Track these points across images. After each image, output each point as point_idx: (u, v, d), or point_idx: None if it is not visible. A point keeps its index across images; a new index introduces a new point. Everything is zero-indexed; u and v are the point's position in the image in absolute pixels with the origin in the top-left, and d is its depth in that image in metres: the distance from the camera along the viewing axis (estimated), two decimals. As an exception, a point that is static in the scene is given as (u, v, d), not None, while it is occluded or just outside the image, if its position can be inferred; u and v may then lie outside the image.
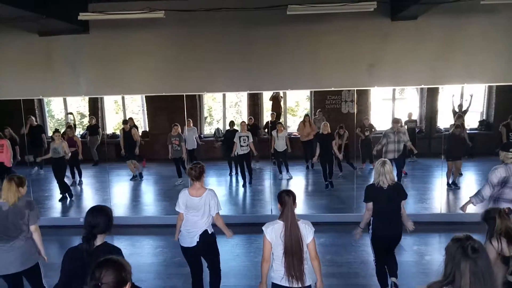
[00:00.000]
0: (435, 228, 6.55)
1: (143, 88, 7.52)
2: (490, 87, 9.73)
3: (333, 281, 4.77)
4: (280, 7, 6.10)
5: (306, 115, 10.18)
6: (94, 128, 10.34)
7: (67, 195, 8.32)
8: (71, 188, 8.53)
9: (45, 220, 6.95)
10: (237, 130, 9.15)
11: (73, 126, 9.65)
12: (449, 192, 8.12)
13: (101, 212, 2.85)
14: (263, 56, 6.97)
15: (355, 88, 7.92)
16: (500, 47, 6.73)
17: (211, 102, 12.53)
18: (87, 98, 10.52)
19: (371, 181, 4.43)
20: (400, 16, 6.61)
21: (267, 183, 9.37)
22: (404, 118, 9.55)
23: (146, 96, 10.74)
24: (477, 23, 6.74)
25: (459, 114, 8.90)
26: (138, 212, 7.98)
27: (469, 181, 9.20)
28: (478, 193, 4.63)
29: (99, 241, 2.79)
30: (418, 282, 4.88)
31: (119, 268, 2.01)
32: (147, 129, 11.38)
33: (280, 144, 9.07)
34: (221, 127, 11.22)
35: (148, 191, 9.68)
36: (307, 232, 3.15)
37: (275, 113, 10.68)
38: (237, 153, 8.89)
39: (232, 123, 9.57)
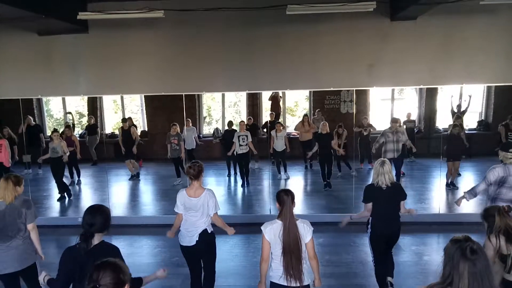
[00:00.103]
0: (434, 228, 6.56)
1: (142, 88, 7.52)
2: (489, 87, 9.75)
3: (332, 281, 4.77)
4: (279, 7, 6.10)
5: (305, 115, 10.19)
6: (93, 128, 10.33)
7: (66, 195, 8.31)
8: (69, 188, 8.53)
9: (43, 219, 6.96)
10: (235, 130, 9.15)
11: (71, 125, 9.65)
12: (447, 193, 8.13)
13: (99, 211, 2.87)
14: (263, 56, 6.97)
15: (354, 88, 7.92)
16: (499, 47, 6.74)
17: (210, 101, 12.53)
18: (86, 97, 10.52)
19: (370, 181, 4.44)
20: (399, 16, 6.61)
21: (266, 183, 9.37)
22: (403, 118, 9.57)
23: (145, 96, 10.75)
24: (476, 24, 6.75)
25: (458, 115, 8.91)
26: (137, 212, 7.97)
27: (468, 181, 9.21)
28: (472, 189, 4.69)
29: (96, 240, 2.80)
30: (416, 282, 4.89)
31: (117, 270, 2.02)
32: (146, 129, 11.38)
33: (279, 144, 9.07)
34: (220, 127, 11.23)
35: (147, 191, 9.67)
36: (306, 232, 3.15)
37: (274, 113, 10.68)
38: (236, 152, 8.89)
39: (230, 123, 9.56)
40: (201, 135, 11.11)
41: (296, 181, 9.82)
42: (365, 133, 9.40)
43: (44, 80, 7.21)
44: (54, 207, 8.13)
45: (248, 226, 6.58)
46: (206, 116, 12.17)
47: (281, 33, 6.89)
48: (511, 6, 6.43)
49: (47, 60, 7.18)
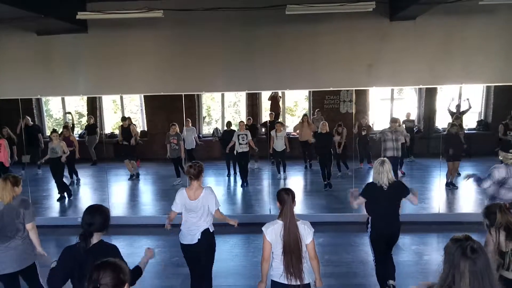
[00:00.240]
0: (434, 228, 6.56)
1: (142, 88, 7.51)
2: (488, 87, 9.75)
3: (332, 280, 4.76)
4: (279, 7, 6.10)
5: (305, 115, 10.19)
6: (92, 128, 10.32)
7: (66, 195, 8.30)
8: (70, 188, 8.53)
9: (43, 220, 6.96)
10: (234, 130, 9.15)
11: (69, 126, 9.64)
12: (447, 192, 8.14)
13: (98, 211, 2.89)
14: (262, 56, 6.97)
15: (354, 88, 7.93)
16: (498, 47, 6.75)
17: (210, 101, 12.52)
18: (85, 97, 10.51)
19: (370, 180, 4.44)
20: (399, 16, 6.62)
21: (266, 183, 9.37)
22: (402, 118, 9.57)
23: (144, 96, 10.73)
24: (475, 24, 6.75)
25: (457, 115, 8.93)
26: (136, 212, 7.96)
27: (468, 181, 9.21)
28: (480, 179, 4.72)
29: (95, 239, 2.81)
30: (417, 282, 4.87)
31: (116, 269, 2.02)
32: (146, 129, 11.37)
33: (279, 144, 9.06)
34: (219, 127, 11.23)
35: (146, 191, 9.66)
36: (306, 233, 3.15)
37: (273, 113, 10.68)
38: (237, 151, 8.89)
39: (229, 124, 9.56)
40: (200, 135, 11.11)
41: (296, 181, 9.82)
42: (363, 133, 9.40)
43: (44, 80, 7.21)
44: (54, 207, 8.12)
45: (248, 226, 6.56)
46: (205, 116, 12.17)
47: (281, 33, 6.89)
48: (510, 6, 6.43)
49: (47, 60, 7.17)
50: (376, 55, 6.87)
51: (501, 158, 4.58)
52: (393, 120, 8.18)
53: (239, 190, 8.98)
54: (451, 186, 8.20)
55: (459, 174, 8.61)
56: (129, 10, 6.07)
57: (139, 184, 9.77)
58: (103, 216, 2.88)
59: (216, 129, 11.24)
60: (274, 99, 10.97)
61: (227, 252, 5.73)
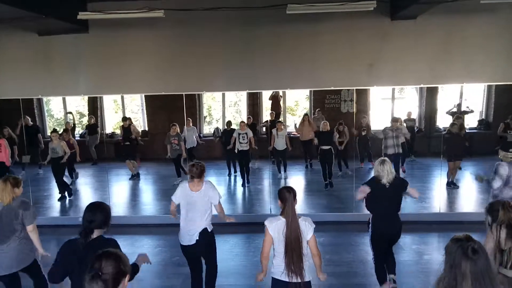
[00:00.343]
0: (434, 227, 6.56)
1: (143, 88, 7.51)
2: (489, 87, 9.75)
3: (332, 280, 4.76)
4: (279, 6, 6.10)
5: (306, 114, 10.19)
6: (93, 128, 10.34)
7: (66, 194, 8.31)
8: (71, 188, 8.55)
9: (44, 219, 6.97)
10: (234, 129, 9.16)
11: (70, 126, 9.67)
12: (448, 192, 8.13)
13: (99, 208, 2.92)
14: (263, 56, 6.97)
15: (355, 88, 7.92)
16: (499, 46, 6.74)
17: (211, 101, 12.53)
18: (86, 97, 10.51)
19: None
20: (399, 15, 6.61)
21: (266, 182, 9.37)
22: (403, 118, 9.56)
23: (145, 96, 10.75)
24: (476, 23, 6.74)
25: (458, 115, 8.94)
26: (137, 211, 7.97)
27: (468, 180, 9.20)
28: (491, 180, 4.68)
29: (95, 235, 2.83)
30: (417, 281, 4.89)
31: (118, 259, 2.03)
32: (147, 129, 11.38)
33: (280, 143, 9.07)
34: (220, 127, 11.23)
35: (147, 191, 9.67)
36: (307, 229, 3.17)
37: (274, 112, 10.68)
38: (237, 149, 8.90)
39: (229, 123, 9.56)
40: (201, 135, 11.11)
41: (296, 181, 9.82)
42: (363, 133, 9.40)
43: (44, 80, 7.22)
44: (54, 207, 8.14)
45: (248, 225, 6.58)
46: (206, 116, 12.17)
47: (281, 33, 6.88)
48: (511, 5, 6.42)
49: (47, 60, 7.18)
50: (377, 54, 6.86)
51: (501, 157, 4.60)
52: (394, 120, 8.20)
53: (240, 190, 8.98)
54: (452, 186, 8.19)
55: (460, 168, 8.59)
56: (129, 10, 6.08)
57: (140, 183, 9.78)
58: (104, 213, 2.90)
59: (217, 128, 11.24)
60: (275, 99, 10.97)
61: (228, 252, 5.73)
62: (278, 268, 3.19)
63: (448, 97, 10.20)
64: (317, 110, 10.63)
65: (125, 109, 11.27)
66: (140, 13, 6.02)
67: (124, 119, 9.62)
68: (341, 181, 8.89)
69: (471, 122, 10.01)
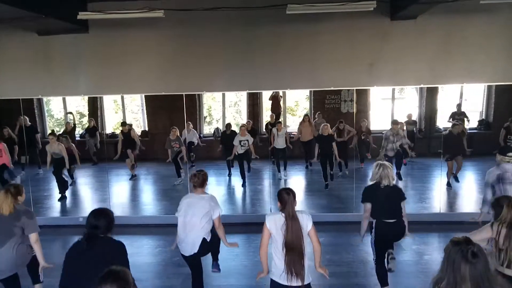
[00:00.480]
0: (434, 227, 6.56)
1: (143, 88, 7.51)
2: (489, 87, 9.73)
3: (332, 280, 4.75)
4: (279, 6, 6.10)
5: (306, 115, 10.19)
6: (93, 131, 10.35)
7: (63, 191, 8.30)
8: (69, 186, 8.56)
9: (44, 219, 6.98)
10: (234, 132, 9.14)
11: (71, 125, 9.67)
12: (448, 192, 8.13)
13: (103, 215, 2.92)
14: (263, 56, 6.97)
15: (355, 88, 7.91)
16: (499, 46, 6.74)
17: (211, 101, 12.51)
18: (86, 97, 10.51)
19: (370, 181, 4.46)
20: (399, 15, 6.61)
21: (266, 182, 9.37)
22: (403, 118, 9.57)
23: (145, 96, 10.73)
24: (476, 23, 6.74)
25: (458, 117, 8.96)
26: (137, 211, 7.98)
27: (469, 181, 9.21)
28: (483, 202, 4.76)
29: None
30: (417, 281, 4.89)
31: (120, 283, 2.03)
32: (147, 129, 11.37)
33: (280, 142, 9.07)
34: (220, 127, 11.22)
35: (147, 191, 9.68)
36: (306, 221, 3.18)
37: (274, 115, 10.65)
38: (237, 152, 8.89)
39: (228, 126, 9.54)
40: (201, 135, 11.10)
41: (297, 181, 9.82)
42: (363, 137, 9.39)
43: (44, 80, 7.22)
44: (55, 207, 8.14)
45: (248, 225, 6.59)
46: (206, 116, 12.16)
47: (281, 33, 6.89)
48: (511, 5, 6.42)
49: (47, 60, 7.18)
50: (377, 54, 6.87)
51: (498, 161, 4.71)
52: (395, 122, 8.23)
53: (240, 190, 8.97)
54: (452, 186, 8.17)
55: (457, 181, 8.62)
56: (130, 10, 6.08)
57: (140, 184, 9.78)
58: (108, 219, 2.92)
59: (217, 128, 11.23)
60: (275, 99, 10.96)
61: (228, 252, 5.72)
62: (278, 269, 3.17)
63: (448, 97, 10.20)
64: (317, 113, 10.60)
65: (125, 109, 11.27)
66: (140, 13, 6.02)
67: (124, 124, 9.62)
68: (341, 181, 8.90)
69: (471, 122, 10.01)
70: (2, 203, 3.80)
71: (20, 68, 7.19)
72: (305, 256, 3.15)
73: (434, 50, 6.81)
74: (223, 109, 11.37)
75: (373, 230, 4.36)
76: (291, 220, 3.10)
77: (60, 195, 8.27)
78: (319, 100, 10.97)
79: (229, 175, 9.81)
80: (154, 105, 11.06)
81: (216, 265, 4.53)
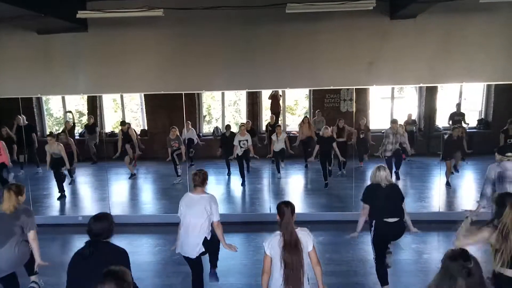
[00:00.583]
0: (433, 226, 6.56)
1: (142, 87, 7.51)
2: (488, 86, 9.75)
3: (332, 279, 4.77)
4: (279, 5, 6.09)
5: (306, 116, 10.19)
6: (92, 128, 10.34)
7: (60, 188, 8.30)
8: (68, 183, 8.56)
9: (43, 218, 6.96)
10: (233, 133, 9.14)
11: (70, 125, 9.66)
12: (447, 191, 8.14)
13: (103, 220, 2.93)
14: (262, 55, 6.97)
15: (354, 87, 7.92)
16: (499, 45, 6.74)
17: (210, 100, 12.51)
18: (85, 96, 10.50)
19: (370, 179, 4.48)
20: (399, 14, 6.61)
21: (266, 181, 9.37)
22: (403, 118, 9.57)
23: (144, 95, 10.72)
24: (476, 22, 6.75)
25: (458, 119, 8.99)
26: (137, 210, 7.97)
27: (468, 180, 9.22)
28: (482, 196, 4.77)
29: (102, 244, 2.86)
30: (416, 280, 4.90)
31: (119, 282, 2.05)
32: (146, 128, 11.36)
33: (278, 146, 9.09)
34: (220, 126, 11.21)
35: (147, 190, 9.67)
36: (308, 240, 3.13)
37: (274, 116, 10.63)
38: (237, 154, 8.90)
39: (228, 127, 9.52)
40: (200, 134, 11.10)
41: (296, 180, 9.83)
42: (361, 136, 9.39)
43: (44, 79, 7.21)
44: (54, 205, 8.14)
45: (248, 224, 6.59)
46: (206, 115, 12.16)
47: (281, 32, 6.88)
48: (510, 4, 6.42)
49: (47, 59, 7.17)
50: (377, 53, 6.87)
51: (497, 161, 4.73)
52: (394, 121, 8.23)
53: (239, 189, 8.98)
54: (452, 180, 8.18)
55: (457, 171, 8.62)
56: (129, 8, 6.07)
57: (139, 182, 9.78)
58: (108, 223, 2.94)
59: (217, 127, 11.23)
60: (274, 98, 10.96)
61: (227, 251, 5.71)
62: (276, 283, 3.13)
63: (447, 96, 10.22)
64: (317, 111, 10.60)
65: (125, 108, 11.26)
66: (140, 12, 6.01)
67: (123, 123, 9.62)
68: (340, 180, 8.90)
69: (470, 122, 10.03)
70: (7, 201, 3.81)
71: (19, 67, 7.18)
72: (304, 272, 3.10)
73: (433, 49, 6.81)
74: (223, 108, 11.37)
75: (373, 229, 4.37)
76: (289, 236, 3.06)
77: (59, 194, 8.26)
78: (318, 99, 10.97)
79: (229, 174, 9.81)
80: (153, 104, 11.05)
81: (213, 274, 4.47)
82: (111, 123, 11.81)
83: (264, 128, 11.04)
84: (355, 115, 9.03)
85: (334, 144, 8.28)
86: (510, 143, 8.08)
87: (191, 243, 3.99)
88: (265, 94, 11.24)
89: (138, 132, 10.44)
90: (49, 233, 6.30)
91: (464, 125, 9.28)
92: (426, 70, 6.84)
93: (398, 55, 6.84)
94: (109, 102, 11.82)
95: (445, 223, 6.60)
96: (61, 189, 8.28)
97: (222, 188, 9.11)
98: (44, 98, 10.71)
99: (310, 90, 10.95)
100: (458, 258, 2.12)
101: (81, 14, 6.13)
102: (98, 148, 10.18)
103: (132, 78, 7.16)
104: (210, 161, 10.18)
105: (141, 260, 5.61)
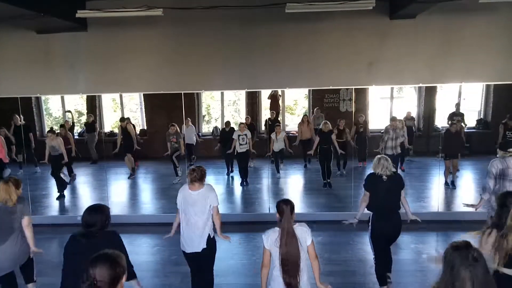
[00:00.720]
0: (433, 226, 6.56)
1: (141, 86, 7.50)
2: (488, 86, 9.76)
3: (331, 279, 4.76)
4: (278, 5, 6.09)
5: (305, 115, 10.18)
6: (92, 126, 10.33)
7: (61, 191, 8.28)
8: (68, 186, 8.54)
9: (42, 218, 6.97)
10: (233, 129, 9.15)
11: (69, 124, 9.65)
12: (446, 191, 8.14)
13: (98, 211, 2.91)
14: (262, 54, 6.96)
15: (353, 87, 7.92)
16: (498, 45, 6.74)
17: (209, 100, 12.51)
18: (85, 96, 10.50)
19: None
20: (398, 14, 6.61)
21: (265, 181, 9.37)
22: (402, 117, 9.57)
23: (144, 94, 10.73)
24: (475, 22, 6.75)
25: (457, 114, 8.96)
26: (136, 210, 7.97)
27: (467, 180, 9.23)
28: (484, 189, 4.73)
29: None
30: (415, 280, 4.90)
31: (113, 264, 2.01)
32: (145, 127, 11.36)
33: (278, 146, 9.09)
34: (219, 126, 11.22)
35: (146, 190, 9.67)
36: (306, 235, 3.14)
37: (274, 112, 10.67)
38: (237, 151, 8.89)
39: (227, 123, 9.55)
40: (200, 134, 11.10)
41: (295, 180, 9.83)
42: (361, 130, 9.41)
43: (43, 78, 7.20)
44: (53, 205, 8.13)
45: (247, 224, 6.59)
46: (205, 115, 12.16)
47: (280, 32, 6.88)
48: (510, 4, 6.43)
49: (46, 58, 7.16)
50: (376, 53, 6.87)
51: (499, 157, 4.66)
52: (393, 119, 8.23)
53: (239, 189, 8.98)
54: (450, 186, 8.19)
55: (458, 170, 8.61)
56: (128, 8, 6.05)
57: (139, 182, 9.77)
58: (103, 216, 2.91)
59: (216, 127, 11.23)
60: (273, 98, 10.96)
61: (226, 251, 5.72)
62: (276, 282, 3.15)
63: (446, 96, 10.23)
64: (316, 108, 10.62)
65: (124, 108, 11.26)
66: (139, 12, 6.00)
67: (122, 119, 9.62)
68: (339, 180, 8.90)
69: (469, 121, 10.03)
70: (9, 193, 3.77)
71: (18, 67, 7.17)
72: (302, 268, 3.11)
73: (433, 49, 6.81)
74: (222, 107, 11.37)
75: (370, 224, 4.37)
76: (286, 233, 3.07)
77: (58, 194, 8.26)
78: (318, 99, 10.98)
79: (228, 174, 9.82)
80: (152, 103, 11.05)
81: None
82: (110, 123, 11.81)
83: (263, 128, 11.03)
84: (354, 115, 9.04)
85: (333, 136, 8.28)
86: (510, 137, 8.08)
87: (196, 237, 3.99)
88: (265, 94, 11.25)
89: (138, 132, 10.44)
90: (48, 233, 6.31)
91: (462, 125, 9.29)
92: (425, 70, 6.84)
93: (398, 55, 6.84)
94: (109, 101, 11.82)
95: (444, 223, 6.62)
96: (61, 190, 8.26)
97: (222, 188, 9.11)
98: (43, 97, 10.71)
99: (309, 90, 10.96)
100: (461, 248, 2.07)
101: (80, 14, 6.12)
102: (97, 148, 10.17)
103: (131, 77, 7.15)
104: (210, 160, 10.17)
105: (140, 260, 5.61)
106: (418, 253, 5.65)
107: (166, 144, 9.10)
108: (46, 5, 5.92)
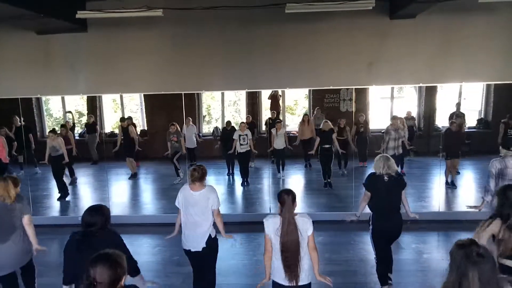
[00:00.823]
0: (434, 226, 6.56)
1: (142, 87, 7.51)
2: (488, 86, 9.76)
3: (332, 279, 4.73)
4: (278, 5, 6.09)
5: (305, 114, 10.18)
6: (92, 126, 10.33)
7: (63, 194, 8.28)
8: (68, 187, 8.54)
9: (43, 219, 6.97)
10: (234, 129, 9.15)
11: (70, 124, 9.65)
12: (447, 191, 8.13)
13: (98, 212, 2.91)
14: (262, 55, 6.96)
15: (354, 87, 7.92)
16: (498, 45, 6.74)
17: (210, 100, 12.51)
18: (85, 96, 10.50)
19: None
20: (398, 14, 6.61)
21: (266, 181, 9.37)
22: (402, 116, 9.57)
23: (144, 95, 10.72)
24: (475, 22, 6.75)
25: (458, 114, 8.95)
26: (137, 210, 7.97)
27: (468, 180, 9.22)
28: (486, 190, 4.73)
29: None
30: (416, 280, 4.90)
31: (113, 265, 2.00)
32: (146, 128, 11.36)
33: (279, 142, 9.07)
34: (219, 126, 11.21)
35: (147, 190, 9.67)
36: (307, 225, 3.17)
37: (275, 112, 10.67)
38: (237, 151, 8.90)
39: (228, 123, 9.55)
40: (200, 134, 11.10)
41: (296, 180, 9.82)
42: (361, 130, 9.41)
43: (43, 79, 7.20)
44: (54, 206, 8.13)
45: (248, 224, 6.59)
46: (205, 115, 12.15)
47: (280, 32, 6.88)
48: (510, 4, 6.43)
49: (46, 59, 7.17)
50: (376, 53, 6.87)
51: (502, 155, 4.67)
52: (394, 118, 8.23)
53: (240, 189, 8.98)
54: (450, 185, 8.18)
55: (458, 173, 8.62)
56: (128, 9, 6.06)
57: (140, 183, 9.77)
58: (103, 216, 2.91)
59: (216, 128, 11.22)
60: (274, 98, 10.96)
61: (228, 251, 5.72)
62: (278, 271, 3.18)
63: (447, 96, 10.22)
64: (316, 108, 10.62)
65: (124, 109, 11.25)
66: (139, 12, 6.01)
67: (123, 119, 9.62)
68: (340, 180, 8.90)
69: (470, 121, 10.03)
70: (8, 190, 3.76)
71: (19, 67, 7.17)
72: (302, 257, 3.13)
73: (433, 49, 6.81)
74: (222, 108, 11.37)
75: (371, 223, 4.37)
76: (287, 222, 3.09)
77: (59, 195, 8.25)
78: (318, 99, 10.98)
79: (229, 174, 9.82)
80: (153, 104, 11.04)
81: None
82: (111, 123, 11.80)
83: (264, 128, 11.03)
84: (355, 115, 9.03)
85: (334, 136, 8.28)
86: (510, 133, 8.08)
87: (196, 237, 3.99)
88: (265, 94, 11.25)
89: (138, 132, 10.43)
90: (49, 234, 6.30)
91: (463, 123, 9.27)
92: (425, 70, 6.84)
93: (398, 55, 6.83)
94: (109, 102, 11.81)
95: (445, 222, 6.61)
96: (61, 190, 8.26)
97: (223, 188, 9.11)
98: (43, 98, 10.70)
99: (309, 90, 10.96)
100: (466, 245, 2.06)
101: (80, 14, 6.12)
102: (98, 148, 10.17)
103: (131, 78, 7.15)
104: (210, 161, 10.17)
105: (141, 260, 5.56)
106: (419, 253, 5.65)
107: (167, 144, 9.10)
108: (46, 5, 5.93)
